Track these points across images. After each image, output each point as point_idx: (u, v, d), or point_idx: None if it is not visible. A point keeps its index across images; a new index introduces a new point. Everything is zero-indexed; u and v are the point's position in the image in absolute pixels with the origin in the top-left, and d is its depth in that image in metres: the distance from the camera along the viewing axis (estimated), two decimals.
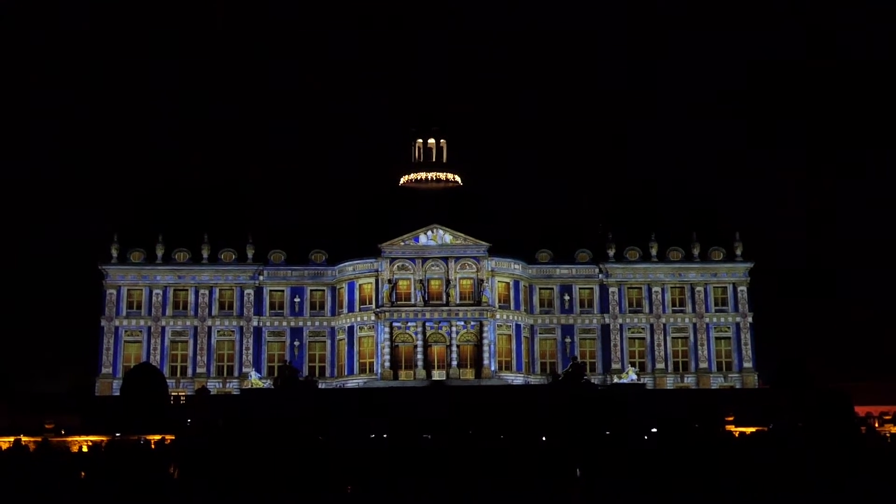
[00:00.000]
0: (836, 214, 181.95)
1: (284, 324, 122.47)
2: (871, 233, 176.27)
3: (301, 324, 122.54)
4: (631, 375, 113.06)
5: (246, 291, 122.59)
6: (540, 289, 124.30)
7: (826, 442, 65.51)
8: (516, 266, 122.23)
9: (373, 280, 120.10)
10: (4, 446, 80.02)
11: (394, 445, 74.91)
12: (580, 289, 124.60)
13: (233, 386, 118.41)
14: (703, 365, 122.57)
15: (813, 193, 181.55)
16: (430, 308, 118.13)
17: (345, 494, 72.35)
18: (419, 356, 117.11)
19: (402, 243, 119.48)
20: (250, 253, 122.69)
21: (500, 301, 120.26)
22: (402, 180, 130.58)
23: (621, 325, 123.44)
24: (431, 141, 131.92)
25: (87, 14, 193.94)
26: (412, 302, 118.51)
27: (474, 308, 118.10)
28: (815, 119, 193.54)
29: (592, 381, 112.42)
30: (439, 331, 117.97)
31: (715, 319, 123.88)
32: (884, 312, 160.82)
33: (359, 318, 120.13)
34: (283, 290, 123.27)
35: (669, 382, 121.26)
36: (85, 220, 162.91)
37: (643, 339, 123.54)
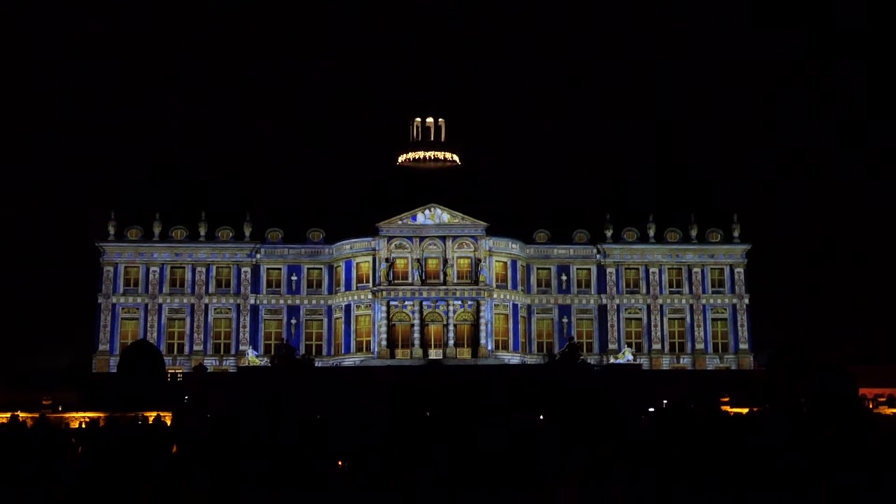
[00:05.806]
0: (836, 194, 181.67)
1: (281, 302, 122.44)
2: (871, 214, 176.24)
3: (298, 302, 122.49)
4: (627, 356, 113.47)
5: (243, 269, 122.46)
6: (537, 269, 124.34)
7: (828, 421, 65.71)
8: (514, 246, 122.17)
9: (370, 259, 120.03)
10: (1, 422, 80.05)
11: (390, 423, 74.90)
12: (577, 269, 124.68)
13: (230, 364, 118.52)
14: (700, 346, 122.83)
15: (813, 174, 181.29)
16: (427, 287, 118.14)
17: (340, 471, 72.38)
18: (416, 335, 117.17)
19: (400, 222, 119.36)
20: (248, 231, 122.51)
21: (497, 281, 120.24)
22: (401, 159, 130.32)
23: (618, 306, 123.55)
24: (430, 120, 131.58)
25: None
26: (409, 281, 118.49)
27: (471, 287, 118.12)
28: (813, 99, 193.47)
29: (589, 361, 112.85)
30: (436, 310, 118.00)
31: (712, 301, 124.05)
32: (880, 295, 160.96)
33: (356, 297, 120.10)
34: (280, 269, 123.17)
35: (665, 363, 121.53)
36: (83, 197, 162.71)
37: (640, 319, 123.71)
